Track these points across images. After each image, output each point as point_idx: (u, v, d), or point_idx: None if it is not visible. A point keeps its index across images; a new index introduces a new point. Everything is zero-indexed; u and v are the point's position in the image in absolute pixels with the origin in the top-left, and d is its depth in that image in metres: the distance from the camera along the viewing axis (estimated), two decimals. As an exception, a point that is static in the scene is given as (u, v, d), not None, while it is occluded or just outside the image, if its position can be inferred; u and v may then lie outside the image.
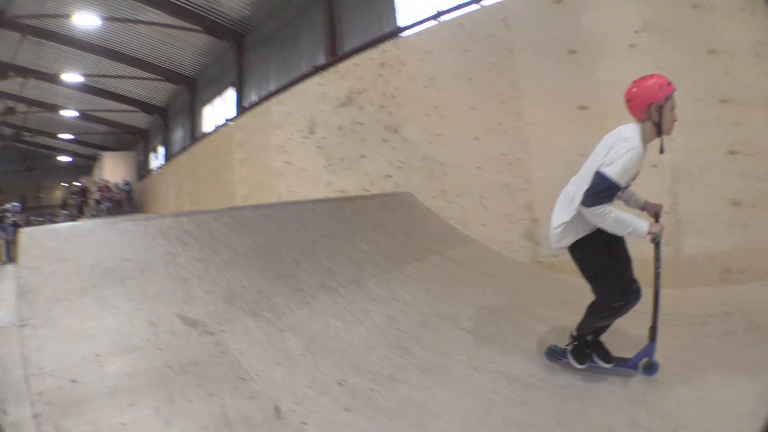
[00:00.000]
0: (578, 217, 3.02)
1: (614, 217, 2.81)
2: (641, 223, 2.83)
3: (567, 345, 3.33)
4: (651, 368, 3.07)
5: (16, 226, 20.15)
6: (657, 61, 5.15)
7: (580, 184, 3.02)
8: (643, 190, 3.45)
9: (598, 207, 2.81)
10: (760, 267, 4.75)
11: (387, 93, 8.01)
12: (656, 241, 2.98)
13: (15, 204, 32.21)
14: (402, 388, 3.18)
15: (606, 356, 3.23)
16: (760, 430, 2.47)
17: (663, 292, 3.09)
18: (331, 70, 9.45)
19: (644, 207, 3.28)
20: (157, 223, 4.26)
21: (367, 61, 8.61)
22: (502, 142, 6.37)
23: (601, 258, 3.04)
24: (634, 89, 2.94)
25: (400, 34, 8.74)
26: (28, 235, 3.78)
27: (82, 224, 4.17)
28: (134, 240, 4.00)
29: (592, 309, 3.18)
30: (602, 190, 2.82)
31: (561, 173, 4.58)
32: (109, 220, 4.28)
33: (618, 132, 2.94)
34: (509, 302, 4.53)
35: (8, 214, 24.87)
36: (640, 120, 2.93)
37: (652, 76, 2.96)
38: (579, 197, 2.96)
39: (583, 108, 5.71)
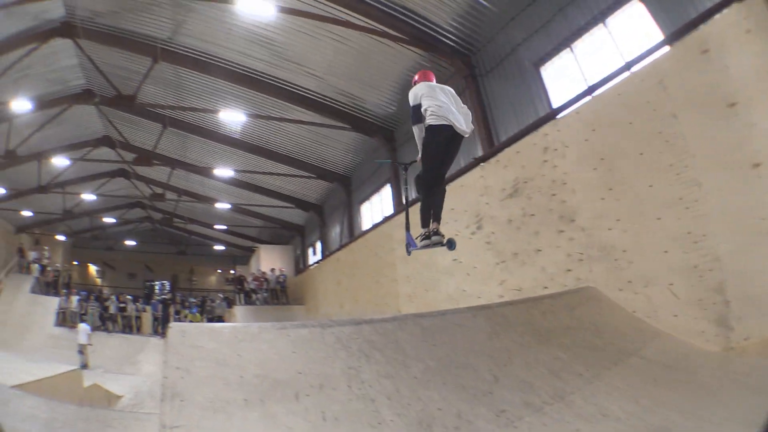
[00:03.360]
0: None
1: None
2: None
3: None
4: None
5: (164, 303, 23.61)
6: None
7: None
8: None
9: None
10: None
11: (556, 179, 8.18)
12: None
13: (164, 282, 37.35)
14: None
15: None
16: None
17: None
18: (492, 160, 9.82)
19: None
20: (335, 331, 4.13)
21: (528, 147, 8.89)
22: (683, 218, 6.27)
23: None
24: None
25: (558, 115, 8.85)
26: (179, 331, 3.64)
27: (247, 327, 4.07)
28: (309, 349, 3.85)
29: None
30: None
31: (746, 242, 4.68)
32: (279, 325, 4.17)
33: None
34: (711, 402, 4.24)
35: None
36: None
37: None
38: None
39: (756, 165, 5.65)
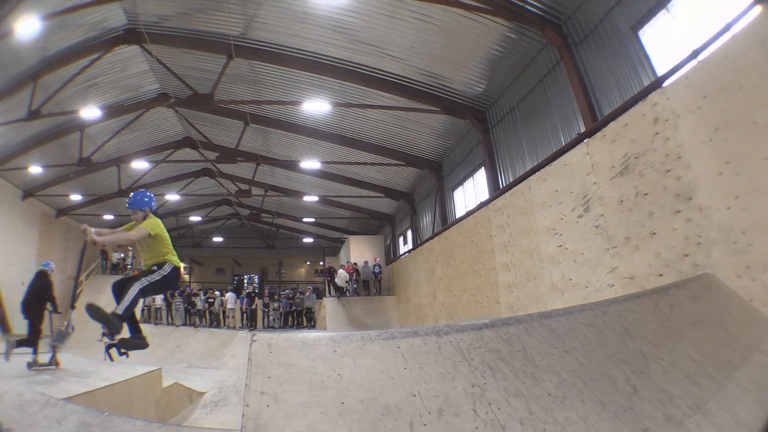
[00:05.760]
0: None
1: None
2: None
3: None
4: None
5: (249, 297, 24.80)
6: None
7: None
8: None
9: None
10: None
11: (669, 153, 7.88)
12: None
13: (252, 276, 40.82)
14: None
15: None
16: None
17: None
18: (598, 135, 9.54)
19: None
20: (453, 339, 3.68)
21: (636, 118, 8.57)
22: (798, 197, 5.82)
23: None
24: None
25: (664, 82, 8.46)
26: (264, 345, 3.24)
27: (347, 338, 3.61)
28: (424, 364, 3.42)
29: None
30: None
31: None
32: (386, 333, 3.68)
33: None
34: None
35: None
36: None
37: None
38: None
39: None
